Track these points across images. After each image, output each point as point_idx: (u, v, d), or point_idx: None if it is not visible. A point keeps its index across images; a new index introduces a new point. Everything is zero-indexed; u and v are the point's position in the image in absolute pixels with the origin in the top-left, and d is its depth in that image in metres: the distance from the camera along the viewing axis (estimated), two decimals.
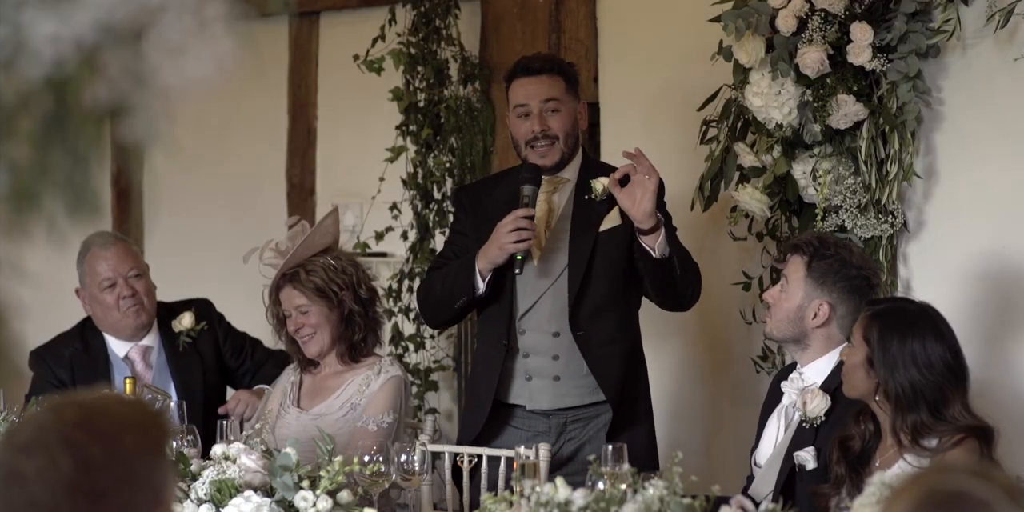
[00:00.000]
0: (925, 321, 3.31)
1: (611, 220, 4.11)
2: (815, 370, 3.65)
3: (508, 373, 4.16)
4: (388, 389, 4.07)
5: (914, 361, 3.24)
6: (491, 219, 4.11)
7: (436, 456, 4.37)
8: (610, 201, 4.09)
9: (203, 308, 4.69)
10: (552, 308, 4.12)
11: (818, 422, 3.54)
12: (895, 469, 3.22)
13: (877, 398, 3.29)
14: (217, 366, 4.61)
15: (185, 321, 4.59)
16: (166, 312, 4.65)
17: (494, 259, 4.05)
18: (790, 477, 3.55)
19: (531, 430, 4.15)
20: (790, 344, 3.74)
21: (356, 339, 4.16)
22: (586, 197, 4.13)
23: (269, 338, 4.44)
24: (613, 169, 4.10)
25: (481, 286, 4.09)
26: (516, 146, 4.21)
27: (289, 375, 4.27)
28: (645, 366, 4.25)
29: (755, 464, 3.72)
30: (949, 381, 3.24)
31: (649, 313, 4.24)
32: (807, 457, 3.51)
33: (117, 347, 4.59)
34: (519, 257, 4.03)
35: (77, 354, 4.57)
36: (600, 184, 4.09)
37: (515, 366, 4.16)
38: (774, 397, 3.75)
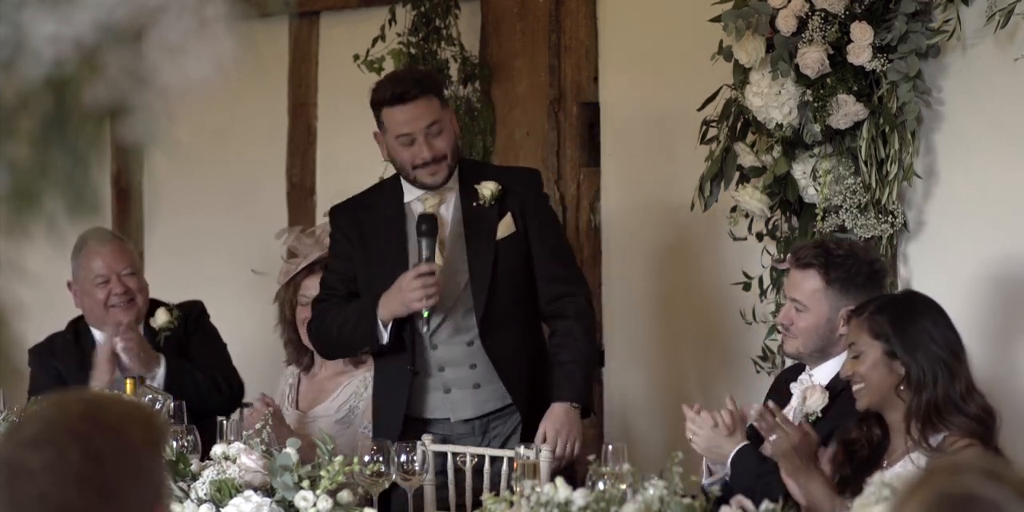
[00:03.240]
0: (918, 302, 3.42)
1: (506, 226, 4.03)
2: (824, 372, 3.65)
3: (421, 390, 4.08)
4: None
5: (931, 338, 3.30)
6: (376, 235, 4.05)
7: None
8: (499, 206, 4.02)
9: (186, 307, 4.68)
10: (463, 319, 4.07)
11: (813, 418, 3.55)
12: (897, 468, 3.22)
13: (901, 388, 3.28)
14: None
15: (160, 318, 4.60)
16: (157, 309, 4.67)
17: (396, 313, 3.96)
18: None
19: (454, 433, 4.11)
20: (814, 356, 3.68)
21: None
22: (474, 203, 4.06)
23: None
24: (492, 168, 4.09)
25: (385, 336, 3.98)
26: (401, 169, 4.13)
27: (287, 377, 4.27)
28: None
29: None
30: (956, 355, 3.31)
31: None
32: None
33: (103, 341, 4.60)
34: (425, 314, 3.94)
35: (68, 344, 4.62)
36: (487, 189, 4.01)
37: (429, 382, 4.08)
38: (777, 398, 3.73)
